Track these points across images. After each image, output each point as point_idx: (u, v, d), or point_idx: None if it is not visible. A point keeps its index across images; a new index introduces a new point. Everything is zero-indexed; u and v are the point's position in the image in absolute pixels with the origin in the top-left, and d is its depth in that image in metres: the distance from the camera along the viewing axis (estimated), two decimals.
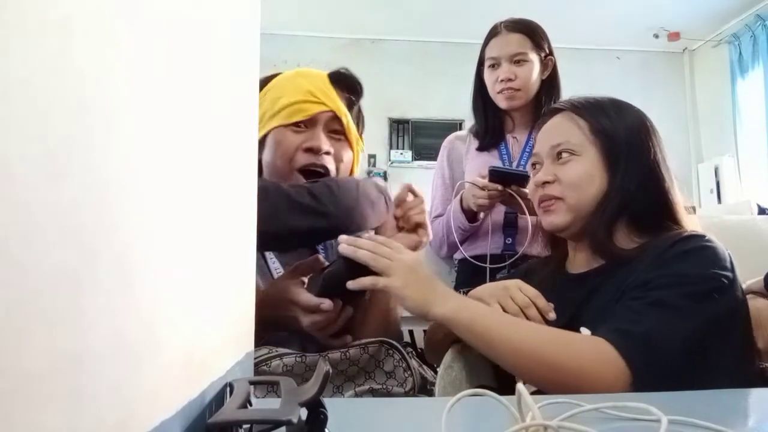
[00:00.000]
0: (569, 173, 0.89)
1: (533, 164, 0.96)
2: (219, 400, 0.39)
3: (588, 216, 0.88)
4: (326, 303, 0.80)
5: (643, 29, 4.67)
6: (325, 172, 0.97)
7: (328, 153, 0.97)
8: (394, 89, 4.82)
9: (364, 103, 1.09)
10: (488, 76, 1.50)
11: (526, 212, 1.28)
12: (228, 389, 0.41)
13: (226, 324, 0.44)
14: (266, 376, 0.75)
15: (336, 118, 0.98)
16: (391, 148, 4.92)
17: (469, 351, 0.98)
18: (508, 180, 1.31)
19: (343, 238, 0.81)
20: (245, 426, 0.36)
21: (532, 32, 1.49)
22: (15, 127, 0.18)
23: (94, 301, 0.23)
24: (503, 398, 0.45)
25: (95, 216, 0.23)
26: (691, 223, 0.87)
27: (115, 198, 0.25)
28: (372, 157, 4.83)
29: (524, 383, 0.68)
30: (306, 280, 0.86)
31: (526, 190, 1.27)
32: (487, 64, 1.50)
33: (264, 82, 1.01)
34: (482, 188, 1.32)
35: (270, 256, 0.99)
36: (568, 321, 0.82)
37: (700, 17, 4.54)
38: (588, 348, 0.71)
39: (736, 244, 0.88)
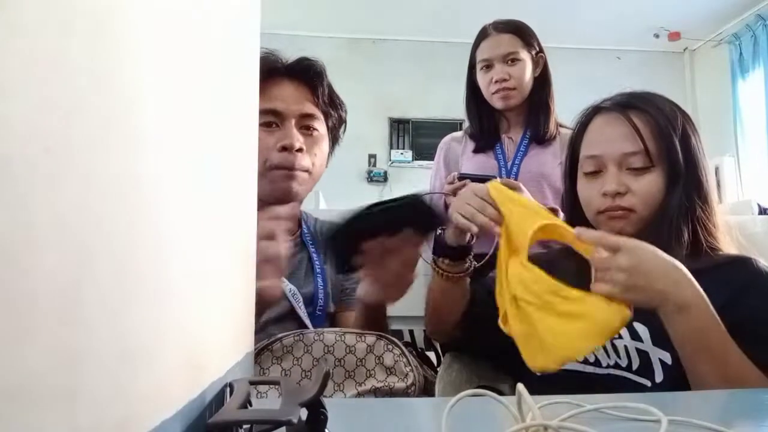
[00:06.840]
0: (647, 188, 0.84)
1: (592, 172, 0.88)
2: (219, 400, 0.39)
3: (654, 222, 0.83)
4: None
5: (644, 29, 4.66)
6: (300, 169, 0.98)
7: (300, 150, 0.97)
8: (394, 89, 4.82)
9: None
10: (482, 79, 1.51)
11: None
12: (228, 389, 0.41)
13: (226, 324, 0.44)
14: (266, 376, 0.75)
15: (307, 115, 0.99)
16: (391, 147, 4.91)
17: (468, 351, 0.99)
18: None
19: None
20: (245, 426, 0.36)
21: (521, 31, 1.50)
22: (15, 127, 0.18)
23: (94, 301, 0.23)
24: (503, 398, 0.45)
25: (95, 216, 0.23)
26: (725, 234, 0.85)
27: (115, 198, 0.25)
28: (372, 156, 4.83)
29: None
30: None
31: None
32: (479, 66, 1.51)
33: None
34: (451, 194, 1.31)
35: None
36: None
37: (700, 17, 4.54)
38: None
39: (737, 245, 0.87)
